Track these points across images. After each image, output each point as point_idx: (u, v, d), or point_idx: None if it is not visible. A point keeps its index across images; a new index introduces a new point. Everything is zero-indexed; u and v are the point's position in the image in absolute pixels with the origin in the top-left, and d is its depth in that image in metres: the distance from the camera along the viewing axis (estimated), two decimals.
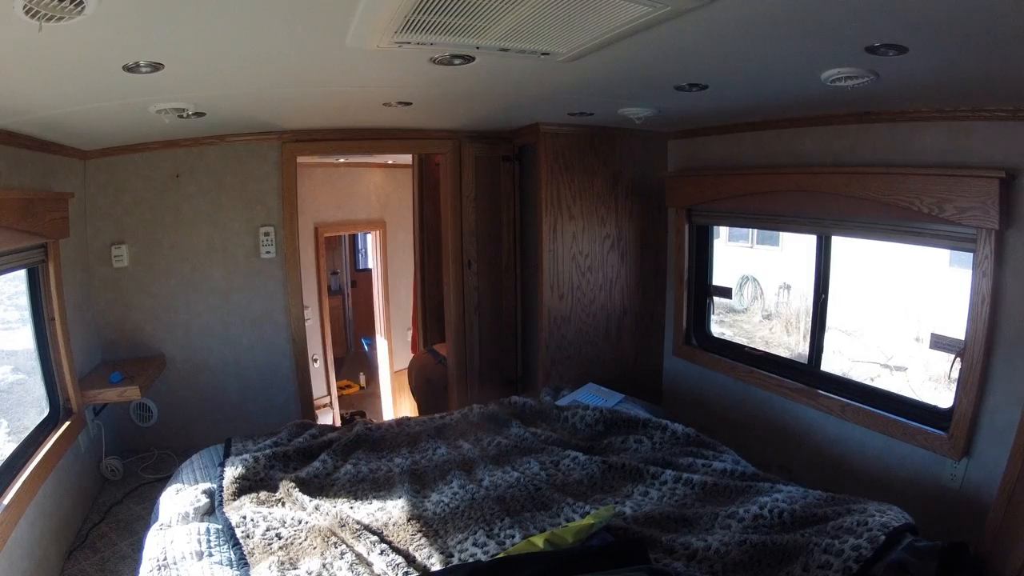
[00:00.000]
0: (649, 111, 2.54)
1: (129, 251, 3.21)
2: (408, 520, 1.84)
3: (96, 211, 3.14)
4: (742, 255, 6.04)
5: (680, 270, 3.36)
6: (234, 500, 1.93)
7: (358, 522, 1.80)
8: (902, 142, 2.26)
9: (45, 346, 2.57)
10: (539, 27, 1.38)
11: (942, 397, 2.30)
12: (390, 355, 6.33)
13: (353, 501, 1.97)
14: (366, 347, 7.43)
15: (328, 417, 5.88)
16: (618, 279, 3.42)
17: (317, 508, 1.88)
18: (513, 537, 1.73)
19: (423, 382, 4.28)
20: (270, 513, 1.83)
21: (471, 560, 1.63)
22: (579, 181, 3.24)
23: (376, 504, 1.94)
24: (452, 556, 1.69)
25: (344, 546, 1.67)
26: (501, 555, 1.55)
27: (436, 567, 1.63)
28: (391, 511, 1.88)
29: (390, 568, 1.57)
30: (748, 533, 1.67)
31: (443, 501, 1.95)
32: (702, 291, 3.36)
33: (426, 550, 1.70)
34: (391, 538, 1.74)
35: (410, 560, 1.65)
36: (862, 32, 1.37)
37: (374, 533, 1.74)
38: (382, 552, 1.62)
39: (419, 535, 1.77)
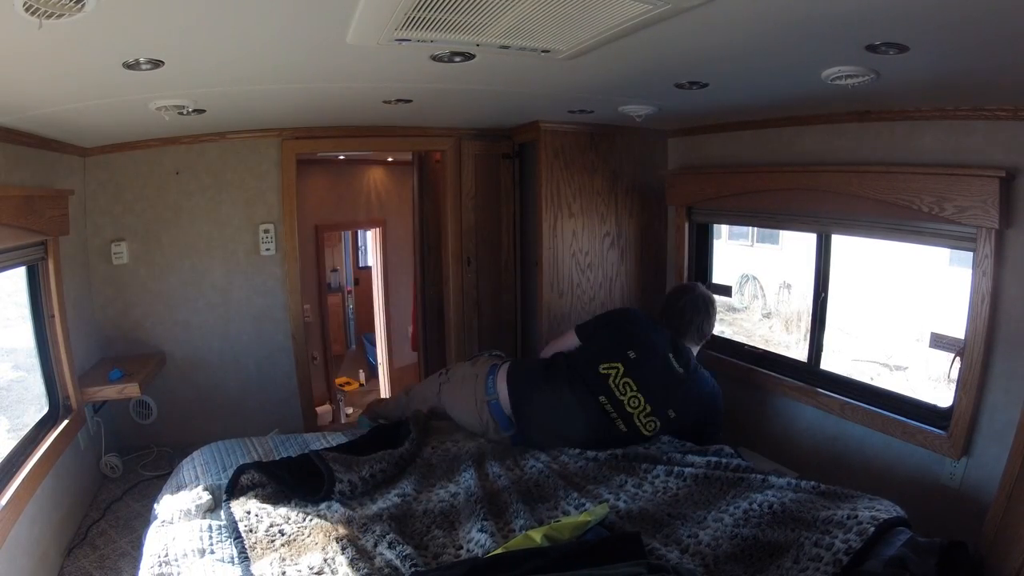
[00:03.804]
0: (649, 109, 2.54)
1: (129, 248, 3.21)
2: (419, 512, 1.85)
3: (96, 208, 3.14)
4: (742, 253, 6.03)
5: (680, 268, 3.36)
6: (241, 495, 1.94)
7: (367, 516, 1.80)
8: (902, 141, 2.26)
9: (45, 343, 2.57)
10: (539, 24, 1.38)
11: (942, 396, 2.30)
12: (389, 352, 6.33)
13: (363, 497, 1.97)
14: (368, 345, 7.43)
15: (328, 415, 5.89)
16: (618, 277, 3.42)
17: (329, 507, 1.88)
18: (515, 531, 1.75)
19: None
20: (274, 509, 1.84)
21: (480, 551, 1.64)
22: (579, 179, 3.24)
23: (388, 497, 1.94)
24: (462, 548, 1.70)
25: (346, 540, 1.67)
26: (499, 550, 1.56)
27: (446, 558, 1.64)
28: (402, 504, 1.89)
29: (398, 559, 1.58)
30: (740, 527, 1.68)
31: (456, 492, 1.96)
32: None
33: (438, 541, 1.71)
34: (402, 530, 1.75)
35: (420, 551, 1.66)
36: (863, 30, 1.37)
37: (384, 526, 1.74)
38: (390, 544, 1.63)
39: (431, 527, 1.78)
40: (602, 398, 2.30)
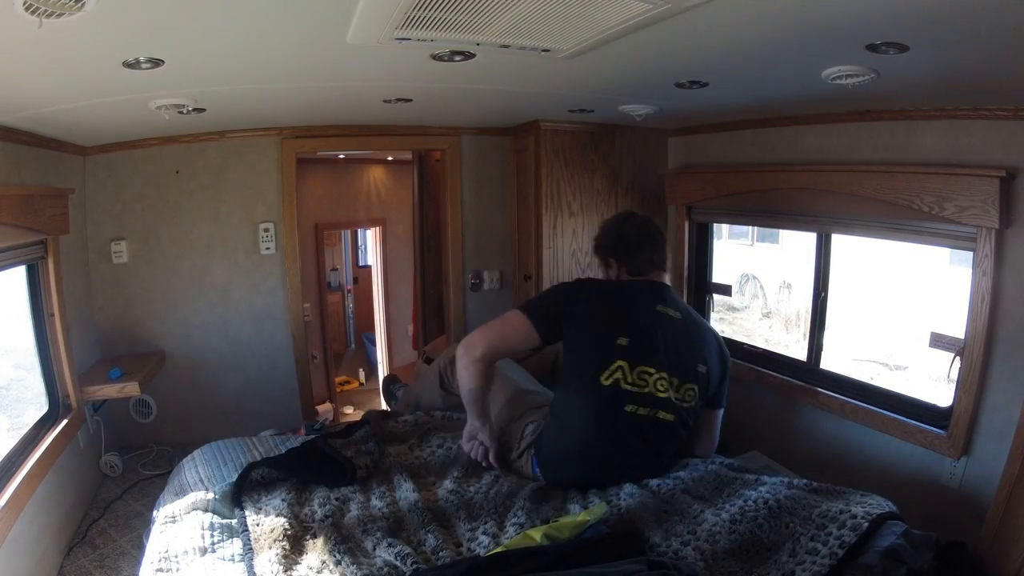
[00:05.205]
0: (649, 108, 2.54)
1: (129, 247, 3.21)
2: (418, 511, 1.85)
3: (96, 207, 3.14)
4: (742, 253, 6.04)
5: (680, 267, 3.36)
6: (251, 491, 1.94)
7: (367, 515, 1.80)
8: (902, 140, 2.25)
9: (44, 342, 2.57)
10: (540, 24, 1.38)
11: (941, 396, 2.30)
12: (389, 351, 6.33)
13: (361, 496, 1.97)
14: (368, 343, 7.43)
15: (328, 415, 5.88)
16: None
17: (339, 501, 1.89)
18: (516, 529, 1.75)
19: None
20: (278, 508, 1.84)
21: (480, 550, 1.64)
22: (579, 178, 3.24)
23: (387, 497, 1.94)
24: (461, 546, 1.70)
25: (346, 541, 1.67)
26: (499, 549, 1.56)
27: (445, 558, 1.64)
28: (400, 504, 1.89)
29: (398, 559, 1.58)
30: (736, 523, 1.69)
31: (455, 491, 1.96)
32: (702, 289, 3.36)
33: (435, 540, 1.71)
34: (401, 530, 1.75)
35: (419, 551, 1.66)
36: (863, 30, 1.37)
37: (384, 526, 1.74)
38: (390, 544, 1.63)
39: (430, 525, 1.78)
40: (628, 407, 1.85)
